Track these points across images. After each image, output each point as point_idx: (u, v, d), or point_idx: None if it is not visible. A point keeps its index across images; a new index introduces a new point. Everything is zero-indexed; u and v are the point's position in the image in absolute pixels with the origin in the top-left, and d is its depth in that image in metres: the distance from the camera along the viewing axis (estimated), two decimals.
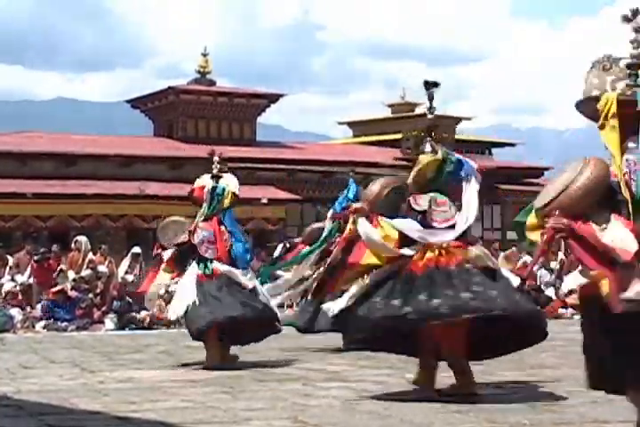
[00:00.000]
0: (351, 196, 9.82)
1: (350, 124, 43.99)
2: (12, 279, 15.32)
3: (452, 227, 6.13)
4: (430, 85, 6.53)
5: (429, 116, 6.57)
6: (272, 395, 6.19)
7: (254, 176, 24.83)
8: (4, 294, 14.73)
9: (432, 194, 6.20)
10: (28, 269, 15.60)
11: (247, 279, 8.37)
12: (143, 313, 14.55)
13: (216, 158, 8.87)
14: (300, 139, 65.73)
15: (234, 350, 8.54)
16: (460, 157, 6.45)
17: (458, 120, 43.40)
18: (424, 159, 6.31)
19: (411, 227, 6.10)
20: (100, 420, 5.24)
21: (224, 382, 6.99)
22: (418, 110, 42.97)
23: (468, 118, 44.08)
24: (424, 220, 6.13)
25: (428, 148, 6.37)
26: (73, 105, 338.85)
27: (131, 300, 14.82)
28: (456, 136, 41.02)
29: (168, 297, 14.64)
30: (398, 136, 39.22)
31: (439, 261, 5.96)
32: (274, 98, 30.12)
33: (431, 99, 6.57)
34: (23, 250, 16.40)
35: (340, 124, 45.13)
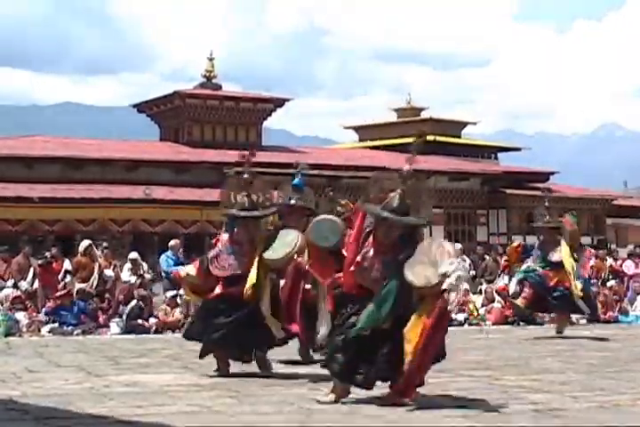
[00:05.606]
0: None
1: (356, 129, 44.00)
2: (15, 285, 15.20)
3: None
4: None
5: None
6: (278, 399, 6.18)
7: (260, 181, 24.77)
8: (7, 299, 14.63)
9: None
10: (30, 272, 15.53)
11: None
12: (152, 321, 14.51)
13: None
14: (306, 143, 65.78)
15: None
16: None
17: (463, 125, 43.38)
18: None
19: None
20: (106, 424, 5.24)
21: (230, 386, 6.99)
22: (423, 114, 43.05)
23: (474, 123, 44.04)
24: None
25: None
26: (79, 109, 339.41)
27: (143, 305, 14.73)
28: (462, 141, 41.04)
29: (171, 302, 14.69)
30: (404, 140, 39.25)
31: None
32: (280, 102, 30.12)
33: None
34: (20, 253, 16.14)
35: (346, 128, 45.15)
